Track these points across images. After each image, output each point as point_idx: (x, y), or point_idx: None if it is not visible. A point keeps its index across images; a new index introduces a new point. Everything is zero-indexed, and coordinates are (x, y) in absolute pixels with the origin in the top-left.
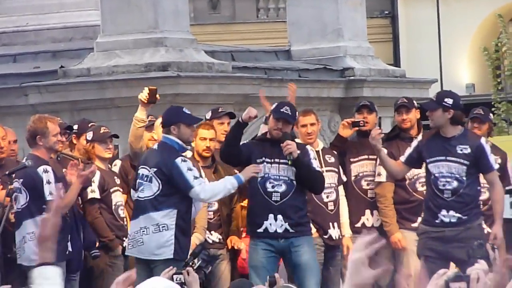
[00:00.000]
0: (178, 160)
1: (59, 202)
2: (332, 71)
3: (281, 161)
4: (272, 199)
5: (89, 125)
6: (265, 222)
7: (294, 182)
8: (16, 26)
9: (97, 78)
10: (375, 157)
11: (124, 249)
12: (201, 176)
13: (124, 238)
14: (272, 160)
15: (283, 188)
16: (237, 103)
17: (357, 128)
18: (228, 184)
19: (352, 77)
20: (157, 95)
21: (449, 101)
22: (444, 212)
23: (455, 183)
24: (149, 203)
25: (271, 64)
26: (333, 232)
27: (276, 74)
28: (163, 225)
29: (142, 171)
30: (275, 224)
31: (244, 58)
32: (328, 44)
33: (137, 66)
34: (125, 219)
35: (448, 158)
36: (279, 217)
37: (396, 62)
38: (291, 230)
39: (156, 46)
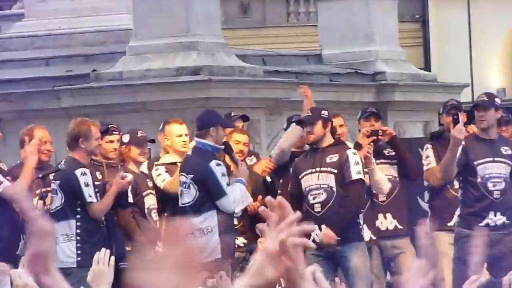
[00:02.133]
0: (213, 164)
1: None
2: (363, 75)
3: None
4: (315, 210)
5: (109, 127)
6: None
7: (334, 189)
8: (48, 30)
9: (129, 82)
10: (389, 161)
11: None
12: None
13: (158, 242)
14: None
15: (323, 196)
16: (268, 107)
17: (374, 138)
18: (242, 191)
19: (383, 82)
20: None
21: (498, 101)
22: (491, 214)
23: (503, 184)
24: (190, 209)
25: (302, 68)
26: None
27: (307, 78)
28: (207, 228)
29: (181, 178)
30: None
31: (275, 62)
32: (359, 48)
33: (169, 70)
34: (158, 222)
35: (496, 159)
36: (323, 227)
37: (427, 67)
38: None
39: (188, 50)
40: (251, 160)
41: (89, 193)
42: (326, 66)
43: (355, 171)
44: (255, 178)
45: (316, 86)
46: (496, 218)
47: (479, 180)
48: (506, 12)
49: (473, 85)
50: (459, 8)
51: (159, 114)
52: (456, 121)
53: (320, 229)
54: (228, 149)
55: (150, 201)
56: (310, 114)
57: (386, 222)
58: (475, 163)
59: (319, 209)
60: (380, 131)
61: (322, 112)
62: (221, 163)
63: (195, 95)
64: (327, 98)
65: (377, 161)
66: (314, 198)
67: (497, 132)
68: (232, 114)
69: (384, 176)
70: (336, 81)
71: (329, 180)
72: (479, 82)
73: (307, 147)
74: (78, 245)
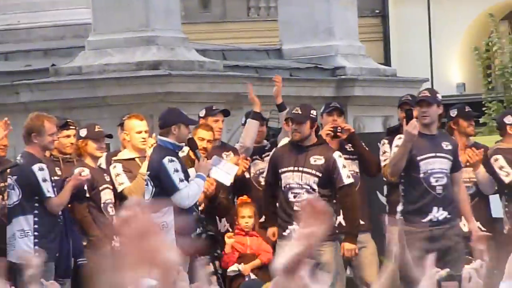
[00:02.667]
0: (166, 160)
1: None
2: (323, 70)
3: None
4: (294, 208)
5: (65, 121)
6: (289, 227)
7: (316, 191)
8: (8, 24)
9: (89, 76)
10: (352, 157)
11: (113, 248)
12: (187, 178)
13: (114, 236)
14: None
15: (304, 196)
16: (228, 102)
17: (334, 135)
18: (201, 186)
19: (343, 76)
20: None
21: (440, 96)
22: (435, 210)
23: (445, 179)
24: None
25: (262, 63)
26: None
27: (267, 73)
28: (162, 224)
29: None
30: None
31: (235, 57)
32: (319, 43)
33: (128, 65)
34: (114, 217)
35: (438, 154)
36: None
37: (387, 62)
38: None
39: (147, 44)
40: (227, 156)
41: (47, 188)
42: (286, 61)
43: (345, 176)
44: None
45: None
46: (438, 214)
47: (421, 175)
48: (466, 8)
49: (433, 80)
50: (419, 3)
51: (119, 108)
52: (409, 117)
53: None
54: (192, 145)
55: (107, 195)
56: (299, 112)
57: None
58: (418, 158)
59: (299, 209)
60: (339, 128)
61: (311, 112)
62: (174, 159)
63: (154, 89)
64: (287, 93)
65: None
66: (294, 197)
67: (437, 128)
68: (214, 108)
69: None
70: (296, 76)
71: (312, 181)
72: (439, 77)
73: (265, 142)
74: (36, 240)
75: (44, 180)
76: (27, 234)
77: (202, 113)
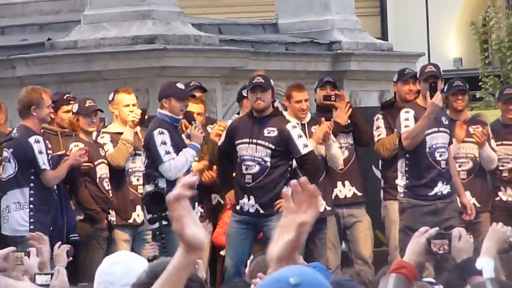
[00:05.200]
0: (155, 132)
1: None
2: (319, 44)
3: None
4: (245, 180)
5: (65, 96)
6: (240, 201)
7: (268, 163)
8: None
9: (84, 50)
10: (347, 130)
11: (109, 222)
12: (180, 151)
13: (110, 211)
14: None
15: (256, 169)
16: (224, 76)
17: (329, 102)
18: (188, 156)
19: (339, 51)
20: (146, 115)
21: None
22: (440, 184)
23: (446, 154)
24: (144, 176)
25: (258, 37)
26: None
27: (263, 47)
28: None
29: None
30: (247, 204)
31: (231, 31)
32: (315, 18)
33: (124, 39)
34: (110, 191)
35: (440, 129)
36: (251, 198)
37: (384, 36)
38: (261, 211)
39: (143, 18)
40: (212, 129)
41: (43, 161)
42: (282, 35)
43: (302, 145)
44: (211, 146)
45: (272, 55)
46: (443, 188)
47: (427, 150)
48: None
49: (429, 54)
50: None
51: (114, 83)
52: (434, 89)
53: (249, 199)
54: (188, 117)
55: (102, 170)
56: (263, 80)
57: (345, 190)
58: (425, 133)
59: (250, 181)
60: (332, 96)
61: (271, 81)
62: (165, 131)
63: (150, 64)
64: (283, 67)
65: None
66: (246, 169)
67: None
68: (191, 84)
69: (340, 151)
70: (292, 50)
71: (264, 154)
72: (436, 52)
73: None
74: (31, 213)
75: (40, 152)
76: (23, 207)
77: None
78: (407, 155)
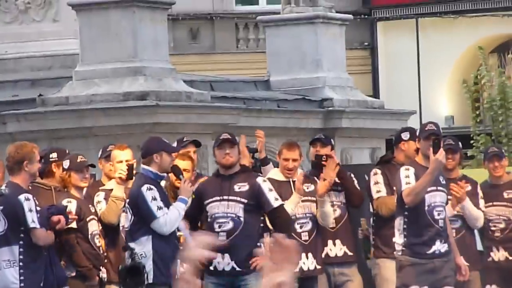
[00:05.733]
0: (144, 188)
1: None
2: (311, 101)
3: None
4: (219, 238)
5: (67, 152)
6: (214, 261)
7: (242, 219)
8: None
9: (76, 106)
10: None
11: (100, 278)
12: (167, 206)
13: (101, 267)
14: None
15: (230, 225)
16: (216, 133)
17: (319, 162)
18: (180, 210)
19: (331, 108)
20: (134, 170)
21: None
22: (438, 242)
23: (444, 213)
24: (128, 234)
25: (250, 94)
26: (306, 264)
27: (255, 104)
28: (141, 254)
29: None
30: (222, 262)
31: (223, 88)
32: (307, 75)
33: (115, 95)
34: (100, 248)
35: (438, 188)
36: (226, 255)
37: (376, 94)
38: (237, 269)
39: (135, 75)
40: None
41: (32, 219)
42: (274, 92)
43: (273, 198)
44: None
45: (264, 112)
46: (441, 246)
47: (426, 208)
48: (454, 40)
49: (421, 112)
50: (408, 36)
51: (106, 139)
52: (437, 146)
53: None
54: (176, 172)
55: (94, 226)
56: (229, 136)
57: (335, 248)
58: None
59: (224, 238)
60: (324, 157)
61: (236, 138)
62: (153, 187)
63: (142, 120)
64: (275, 124)
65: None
66: (219, 227)
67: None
68: (184, 139)
69: (331, 210)
70: (284, 107)
71: (237, 209)
72: (427, 110)
73: None
74: (21, 271)
75: (30, 210)
76: (13, 265)
77: (174, 145)
78: (406, 213)
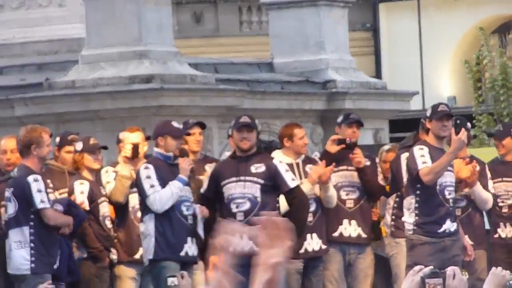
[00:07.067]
0: (142, 168)
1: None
2: (314, 83)
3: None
4: (237, 219)
5: (69, 137)
6: None
7: (259, 199)
8: (2, 39)
9: (82, 90)
10: (353, 168)
11: (110, 260)
12: (164, 184)
13: (111, 249)
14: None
15: (247, 206)
16: (220, 115)
17: (343, 145)
18: (174, 189)
19: (334, 90)
20: (139, 149)
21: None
22: (448, 221)
23: (454, 193)
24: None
25: (254, 76)
26: (311, 244)
27: (258, 87)
28: (145, 231)
29: None
30: None
31: (227, 71)
32: (310, 57)
33: (121, 78)
34: (111, 229)
35: (449, 168)
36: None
37: (378, 75)
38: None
39: (140, 58)
40: (210, 168)
41: (41, 199)
42: (277, 75)
43: (290, 179)
44: (199, 184)
45: (267, 94)
46: (451, 225)
47: (438, 187)
48: (456, 21)
49: (423, 93)
50: (410, 17)
51: (112, 122)
52: (459, 125)
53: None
54: (182, 155)
55: (104, 208)
56: (249, 120)
57: (350, 228)
58: None
59: (242, 218)
60: (348, 139)
61: (256, 121)
62: (149, 165)
63: (147, 103)
64: (278, 106)
65: (345, 168)
66: (237, 207)
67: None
68: (190, 121)
69: (335, 192)
70: (287, 89)
71: (254, 190)
72: (430, 90)
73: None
74: (32, 251)
75: (39, 191)
76: (24, 246)
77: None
78: (418, 192)
